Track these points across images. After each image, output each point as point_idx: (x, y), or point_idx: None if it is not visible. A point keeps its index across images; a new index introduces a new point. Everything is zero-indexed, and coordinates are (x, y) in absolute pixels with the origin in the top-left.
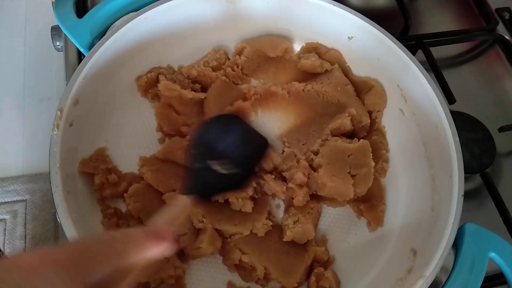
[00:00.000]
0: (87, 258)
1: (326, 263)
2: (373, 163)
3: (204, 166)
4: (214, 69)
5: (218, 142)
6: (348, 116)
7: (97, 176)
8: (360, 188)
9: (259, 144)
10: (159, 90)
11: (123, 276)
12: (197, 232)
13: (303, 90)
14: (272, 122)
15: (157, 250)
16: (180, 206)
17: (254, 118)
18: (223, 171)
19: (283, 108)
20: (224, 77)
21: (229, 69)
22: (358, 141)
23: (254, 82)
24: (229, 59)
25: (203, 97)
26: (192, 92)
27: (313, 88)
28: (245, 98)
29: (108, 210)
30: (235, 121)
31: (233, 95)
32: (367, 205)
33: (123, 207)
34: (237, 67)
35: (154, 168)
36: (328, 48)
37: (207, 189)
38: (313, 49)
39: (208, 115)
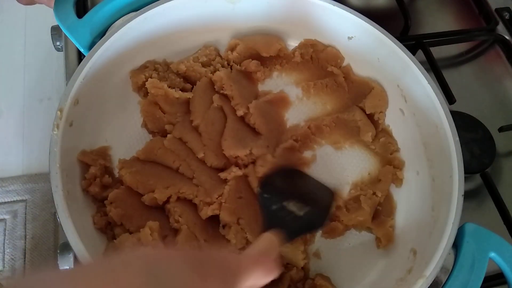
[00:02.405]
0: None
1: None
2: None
3: (281, 207)
4: (204, 65)
5: (288, 188)
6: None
7: (93, 167)
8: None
9: (325, 192)
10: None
11: None
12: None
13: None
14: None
15: (264, 278)
16: (269, 238)
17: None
18: (300, 213)
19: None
20: (211, 75)
21: (219, 65)
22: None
23: None
24: (220, 56)
25: (190, 97)
26: (180, 92)
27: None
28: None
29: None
30: (298, 171)
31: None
32: (375, 222)
33: None
34: (228, 64)
35: (133, 170)
36: (325, 45)
37: (288, 228)
38: (311, 46)
39: (194, 113)
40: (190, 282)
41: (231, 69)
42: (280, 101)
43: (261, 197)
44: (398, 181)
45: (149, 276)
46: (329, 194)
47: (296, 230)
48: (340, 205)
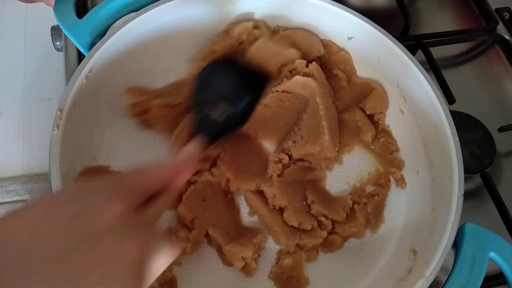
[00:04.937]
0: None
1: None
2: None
3: (204, 115)
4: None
5: (214, 86)
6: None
7: None
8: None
9: (259, 79)
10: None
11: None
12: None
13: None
14: None
15: (179, 182)
16: (191, 147)
17: None
18: (221, 119)
19: None
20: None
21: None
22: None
23: None
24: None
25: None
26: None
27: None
28: None
29: None
30: (228, 64)
31: None
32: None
33: None
34: None
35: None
36: (340, 48)
37: (211, 133)
38: (325, 46)
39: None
40: (99, 200)
41: None
42: None
43: (189, 102)
44: (401, 182)
45: (63, 201)
46: (262, 81)
47: (218, 133)
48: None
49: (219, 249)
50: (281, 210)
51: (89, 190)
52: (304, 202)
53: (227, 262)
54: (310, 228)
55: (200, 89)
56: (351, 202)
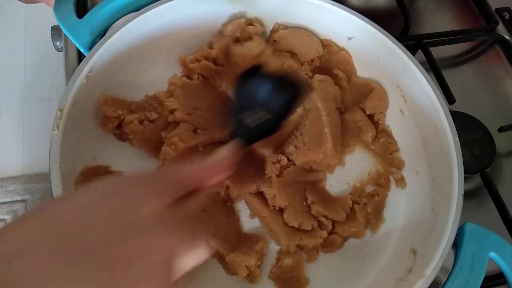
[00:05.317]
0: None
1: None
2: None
3: (239, 120)
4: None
5: (251, 93)
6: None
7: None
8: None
9: (291, 90)
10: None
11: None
12: None
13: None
14: None
15: (213, 181)
16: (228, 149)
17: None
18: (255, 124)
19: None
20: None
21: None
22: None
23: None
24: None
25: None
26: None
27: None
28: None
29: None
30: (264, 72)
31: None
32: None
33: None
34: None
35: None
36: (340, 47)
37: (246, 138)
38: (325, 46)
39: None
40: (138, 195)
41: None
42: None
43: (230, 106)
44: (401, 182)
45: (102, 194)
46: (297, 91)
47: (258, 134)
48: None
49: (221, 259)
50: (281, 211)
51: (127, 185)
52: (304, 203)
53: (230, 271)
54: (310, 229)
55: (239, 95)
56: (351, 202)
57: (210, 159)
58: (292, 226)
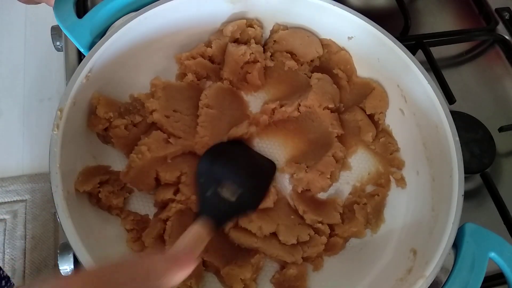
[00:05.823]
0: (109, 284)
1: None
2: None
3: (214, 193)
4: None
5: (224, 168)
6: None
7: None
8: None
9: (266, 167)
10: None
11: None
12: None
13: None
14: (273, 149)
15: (179, 277)
16: (197, 232)
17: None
18: (232, 198)
19: (283, 135)
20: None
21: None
22: None
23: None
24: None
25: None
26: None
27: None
28: (253, 123)
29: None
30: (239, 147)
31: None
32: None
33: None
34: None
35: None
36: (340, 47)
37: (220, 215)
38: (325, 46)
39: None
40: None
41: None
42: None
43: (197, 182)
44: (401, 182)
45: None
46: (270, 168)
47: (228, 215)
48: (339, 211)
49: (217, 273)
50: (273, 234)
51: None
52: (292, 216)
53: (226, 284)
54: (308, 239)
55: (208, 166)
56: (341, 201)
57: (175, 246)
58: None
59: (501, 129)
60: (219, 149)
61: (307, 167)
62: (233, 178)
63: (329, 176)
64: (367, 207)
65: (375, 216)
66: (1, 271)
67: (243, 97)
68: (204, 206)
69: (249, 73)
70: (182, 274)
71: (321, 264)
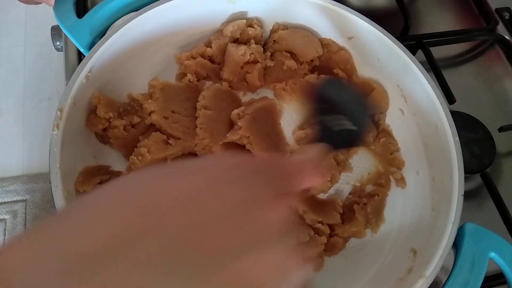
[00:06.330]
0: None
1: None
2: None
3: (332, 118)
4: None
5: (336, 101)
6: None
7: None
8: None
9: (364, 107)
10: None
11: None
12: None
13: None
14: None
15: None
16: (317, 150)
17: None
18: (348, 126)
19: None
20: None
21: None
22: None
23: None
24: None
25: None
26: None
27: None
28: None
29: None
30: (341, 82)
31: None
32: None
33: None
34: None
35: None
36: (340, 47)
37: (335, 139)
38: (325, 45)
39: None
40: (259, 194)
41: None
42: (273, 108)
43: (312, 107)
44: (401, 182)
45: (211, 181)
46: (364, 107)
47: (344, 142)
48: (339, 211)
49: None
50: None
51: (241, 175)
52: (292, 216)
53: None
54: (308, 239)
55: (321, 100)
56: (341, 201)
57: (302, 156)
58: None
59: (501, 129)
60: (327, 85)
61: None
62: (343, 111)
63: (329, 179)
64: (367, 207)
65: (375, 216)
66: None
67: (240, 98)
68: (322, 129)
69: (249, 73)
70: (312, 180)
71: (321, 264)
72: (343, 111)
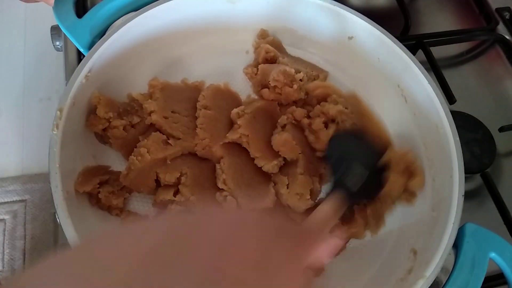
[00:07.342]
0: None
1: None
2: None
3: (349, 166)
4: None
5: (352, 151)
6: None
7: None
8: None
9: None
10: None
11: None
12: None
13: None
14: None
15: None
16: (334, 205)
17: None
18: (364, 175)
19: None
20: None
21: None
22: None
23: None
24: None
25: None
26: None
27: None
28: None
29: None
30: (358, 135)
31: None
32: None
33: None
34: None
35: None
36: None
37: (352, 189)
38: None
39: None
40: (262, 253)
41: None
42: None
43: (329, 154)
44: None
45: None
46: (377, 156)
47: (360, 193)
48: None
49: None
50: None
51: (276, 229)
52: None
53: None
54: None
55: (336, 154)
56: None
57: (306, 222)
58: None
59: (501, 129)
60: (344, 136)
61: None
62: (358, 161)
63: (308, 197)
64: (366, 208)
65: (375, 218)
66: None
67: (240, 98)
68: (339, 177)
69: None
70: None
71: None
72: (354, 157)
